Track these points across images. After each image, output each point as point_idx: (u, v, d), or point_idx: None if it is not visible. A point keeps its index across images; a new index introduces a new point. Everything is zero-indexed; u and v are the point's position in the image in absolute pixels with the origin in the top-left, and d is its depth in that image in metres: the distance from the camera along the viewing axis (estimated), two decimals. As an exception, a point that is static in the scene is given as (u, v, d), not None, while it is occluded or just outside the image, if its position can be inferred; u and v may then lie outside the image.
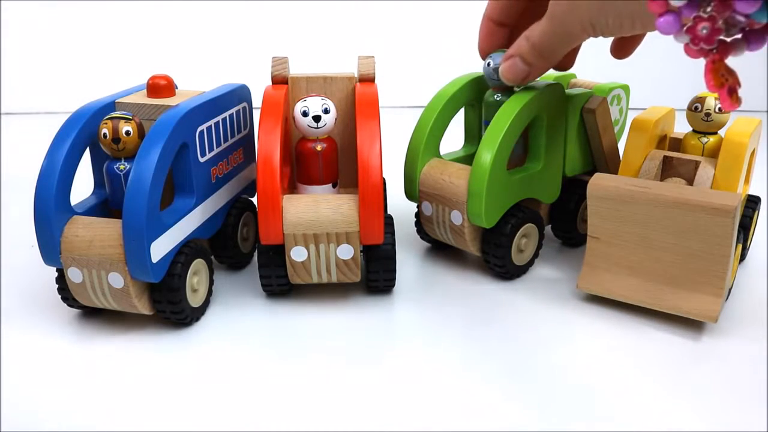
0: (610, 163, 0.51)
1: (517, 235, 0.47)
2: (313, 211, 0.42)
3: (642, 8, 0.36)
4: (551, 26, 0.40)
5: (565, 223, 0.53)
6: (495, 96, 0.48)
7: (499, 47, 0.47)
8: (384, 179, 0.50)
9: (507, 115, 0.44)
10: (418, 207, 0.50)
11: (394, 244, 0.45)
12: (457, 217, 0.46)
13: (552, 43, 0.41)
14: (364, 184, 0.41)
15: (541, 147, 0.48)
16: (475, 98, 0.51)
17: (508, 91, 0.48)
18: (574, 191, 0.52)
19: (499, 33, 0.47)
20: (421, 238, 0.53)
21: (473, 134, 0.53)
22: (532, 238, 0.49)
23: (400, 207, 0.55)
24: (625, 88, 0.54)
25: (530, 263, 0.50)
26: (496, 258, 0.47)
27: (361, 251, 0.44)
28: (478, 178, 0.44)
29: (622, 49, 0.46)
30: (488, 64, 0.48)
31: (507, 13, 0.46)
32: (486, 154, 0.44)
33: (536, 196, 0.49)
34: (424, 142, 0.48)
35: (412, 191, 0.49)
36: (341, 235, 0.42)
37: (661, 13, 0.30)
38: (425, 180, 0.48)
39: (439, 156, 0.50)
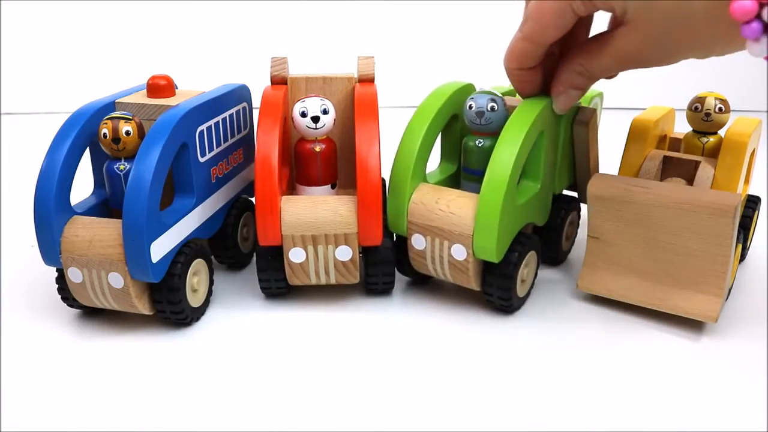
0: (589, 175, 0.49)
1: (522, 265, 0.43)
2: (312, 212, 0.42)
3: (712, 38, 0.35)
4: (616, 62, 0.39)
5: (551, 243, 0.49)
6: (477, 141, 0.44)
7: (538, 88, 0.43)
8: (383, 180, 0.50)
9: (515, 137, 0.40)
10: (402, 241, 0.45)
11: (393, 246, 0.44)
12: (459, 252, 0.42)
13: (612, 71, 0.40)
14: (362, 185, 0.41)
15: (540, 166, 0.44)
16: (459, 111, 0.46)
17: (491, 136, 0.44)
18: (559, 207, 0.49)
19: (533, 75, 0.42)
20: (401, 272, 0.47)
21: (453, 152, 0.48)
22: (532, 266, 0.45)
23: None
24: (600, 96, 0.53)
25: (528, 294, 0.46)
26: (501, 291, 0.43)
27: (360, 252, 0.44)
28: (489, 209, 0.40)
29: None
30: (469, 107, 0.44)
31: (535, 57, 0.41)
32: (498, 183, 0.40)
33: (533, 220, 0.46)
34: (413, 167, 0.43)
35: (399, 224, 0.44)
36: (340, 237, 0.42)
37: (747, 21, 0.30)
38: (416, 210, 0.43)
39: (425, 180, 0.45)
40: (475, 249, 0.41)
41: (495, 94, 0.44)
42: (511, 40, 0.40)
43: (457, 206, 0.42)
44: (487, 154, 0.43)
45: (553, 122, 0.44)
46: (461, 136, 0.47)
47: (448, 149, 0.49)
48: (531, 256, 0.44)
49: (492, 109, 0.43)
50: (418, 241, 0.43)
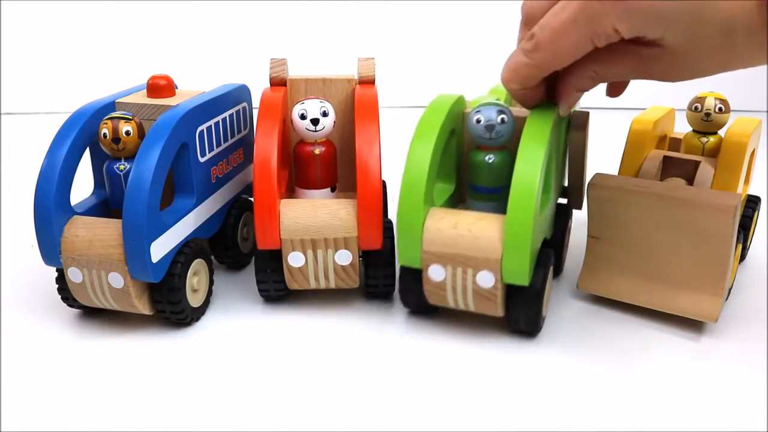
0: (582, 180, 0.48)
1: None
2: (311, 216, 0.41)
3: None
4: (636, 74, 0.37)
5: (556, 254, 0.46)
6: (487, 158, 0.42)
7: (541, 98, 0.40)
8: (384, 182, 0.50)
9: (536, 153, 0.38)
10: (410, 273, 0.41)
11: (393, 249, 0.44)
12: (487, 279, 0.38)
13: (628, 79, 0.39)
14: (362, 188, 0.41)
15: (551, 178, 0.42)
16: (456, 125, 0.44)
17: (499, 150, 0.42)
18: (557, 216, 0.47)
19: (536, 89, 0.39)
20: (405, 304, 0.44)
21: (448, 170, 0.45)
22: (550, 281, 0.43)
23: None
24: None
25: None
26: (529, 314, 0.40)
27: (360, 256, 0.44)
28: (519, 231, 0.36)
29: (615, 87, 0.43)
30: (477, 121, 0.41)
31: (540, 78, 0.38)
32: (527, 202, 0.37)
33: (547, 234, 0.44)
34: (424, 191, 0.39)
35: (412, 256, 0.39)
36: (339, 241, 0.42)
37: None
38: (432, 238, 0.39)
39: (434, 204, 0.41)
40: (504, 273, 0.38)
41: (502, 105, 0.41)
42: (514, 63, 0.38)
43: (479, 229, 0.38)
44: (497, 170, 0.42)
45: (558, 131, 0.42)
46: (457, 152, 0.45)
47: (444, 167, 0.44)
48: (550, 272, 0.42)
49: (502, 121, 0.41)
50: (436, 273, 0.39)
